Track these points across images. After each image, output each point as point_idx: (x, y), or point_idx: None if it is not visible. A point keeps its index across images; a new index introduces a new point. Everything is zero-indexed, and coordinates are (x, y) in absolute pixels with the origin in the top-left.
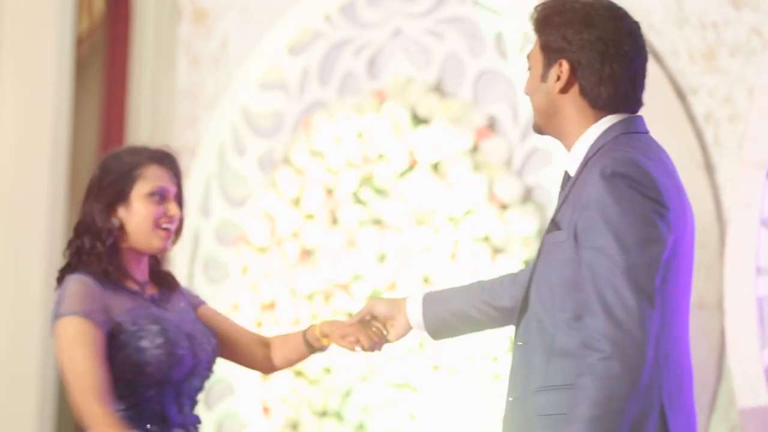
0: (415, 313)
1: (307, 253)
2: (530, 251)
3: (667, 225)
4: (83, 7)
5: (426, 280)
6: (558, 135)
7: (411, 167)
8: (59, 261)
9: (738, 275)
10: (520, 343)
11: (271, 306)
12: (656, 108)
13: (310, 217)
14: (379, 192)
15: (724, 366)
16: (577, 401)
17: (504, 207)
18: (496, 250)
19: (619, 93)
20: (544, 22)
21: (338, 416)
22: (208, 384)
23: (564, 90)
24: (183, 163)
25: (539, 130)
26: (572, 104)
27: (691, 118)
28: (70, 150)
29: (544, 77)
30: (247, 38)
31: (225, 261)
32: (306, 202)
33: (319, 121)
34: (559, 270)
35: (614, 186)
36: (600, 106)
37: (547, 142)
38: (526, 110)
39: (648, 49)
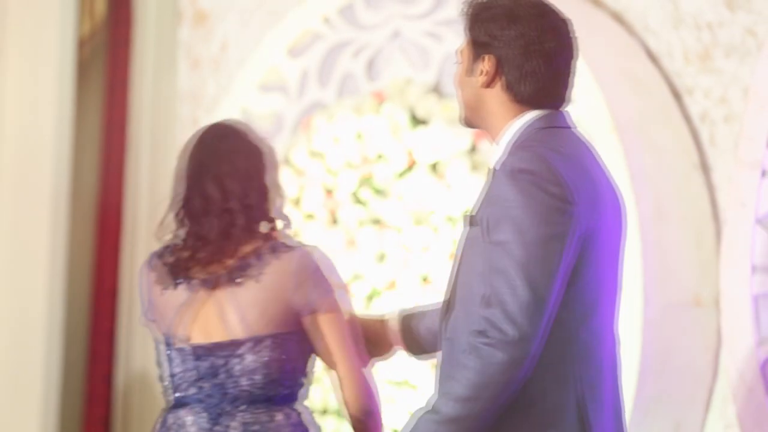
0: (393, 331)
1: None
2: None
3: (570, 220)
4: (84, 10)
5: (425, 280)
6: (484, 128)
7: (410, 167)
8: (62, 262)
9: (734, 274)
10: (447, 338)
11: None
12: (652, 108)
13: (310, 217)
14: (379, 192)
15: (720, 364)
16: (455, 377)
17: None
18: None
19: (540, 89)
20: (472, 18)
21: (338, 414)
22: None
23: (489, 84)
24: None
25: (467, 123)
26: (496, 98)
27: (687, 118)
28: (73, 152)
29: (470, 71)
30: (247, 41)
31: None
32: (306, 203)
33: (319, 122)
34: (475, 265)
35: (517, 182)
36: (522, 101)
37: None
38: None
39: (644, 49)
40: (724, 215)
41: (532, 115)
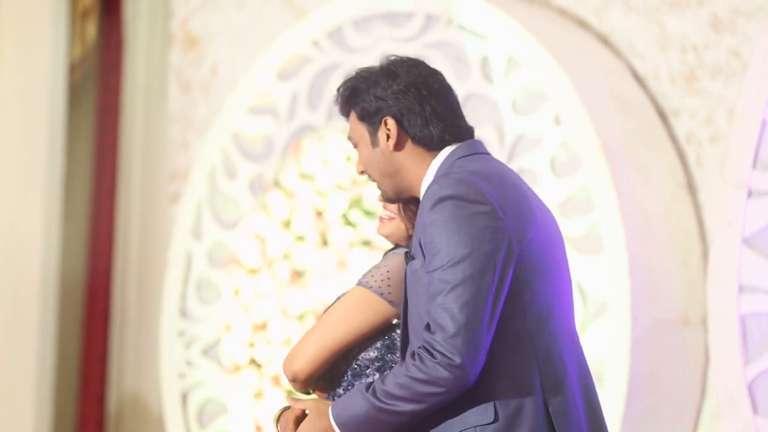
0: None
1: (297, 275)
2: None
3: (501, 235)
4: (76, 35)
5: None
6: (407, 189)
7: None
8: (54, 283)
9: (721, 293)
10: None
11: (263, 326)
12: (638, 129)
13: (300, 238)
14: (368, 214)
15: (708, 382)
16: (394, 371)
17: None
18: None
19: (447, 127)
20: (351, 94)
21: None
22: (201, 403)
23: (397, 146)
24: (174, 187)
25: (391, 197)
26: (409, 155)
27: (673, 139)
28: (64, 175)
29: (374, 142)
30: (237, 64)
31: (217, 282)
32: (296, 224)
33: (309, 144)
34: (421, 296)
35: (444, 208)
36: (434, 146)
37: (533, 164)
38: (511, 133)
39: (630, 71)
40: (710, 235)
41: (447, 150)
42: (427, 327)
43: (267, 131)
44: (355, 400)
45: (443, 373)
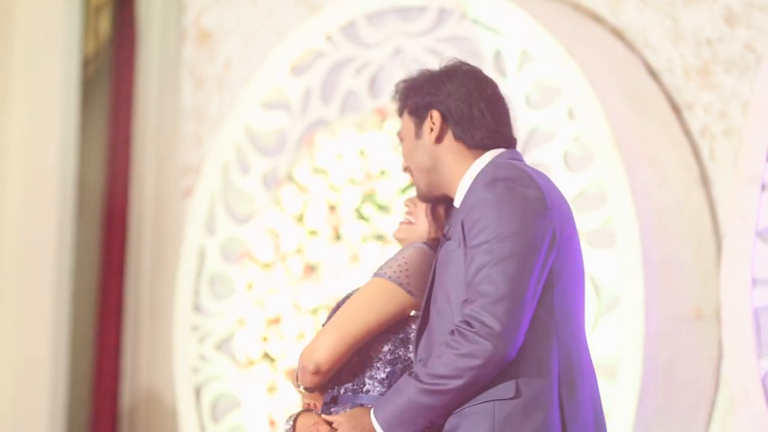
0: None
1: (310, 269)
2: None
3: (547, 224)
4: (89, 30)
5: None
6: (444, 188)
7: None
8: (68, 280)
9: (734, 287)
10: (419, 360)
11: (276, 321)
12: (652, 123)
13: (313, 233)
14: (381, 208)
15: (722, 376)
16: (440, 356)
17: None
18: None
19: (491, 131)
20: (407, 90)
21: None
22: (214, 397)
23: (439, 139)
24: (187, 182)
25: (426, 194)
26: (449, 150)
27: (687, 133)
28: (78, 170)
29: (418, 134)
30: (250, 59)
31: (230, 277)
32: (309, 219)
33: (322, 139)
34: (454, 275)
35: (496, 188)
36: (476, 146)
37: (547, 158)
38: (525, 127)
39: (644, 65)
40: (724, 229)
41: (492, 153)
42: (466, 300)
43: (280, 126)
44: (397, 390)
45: (483, 343)
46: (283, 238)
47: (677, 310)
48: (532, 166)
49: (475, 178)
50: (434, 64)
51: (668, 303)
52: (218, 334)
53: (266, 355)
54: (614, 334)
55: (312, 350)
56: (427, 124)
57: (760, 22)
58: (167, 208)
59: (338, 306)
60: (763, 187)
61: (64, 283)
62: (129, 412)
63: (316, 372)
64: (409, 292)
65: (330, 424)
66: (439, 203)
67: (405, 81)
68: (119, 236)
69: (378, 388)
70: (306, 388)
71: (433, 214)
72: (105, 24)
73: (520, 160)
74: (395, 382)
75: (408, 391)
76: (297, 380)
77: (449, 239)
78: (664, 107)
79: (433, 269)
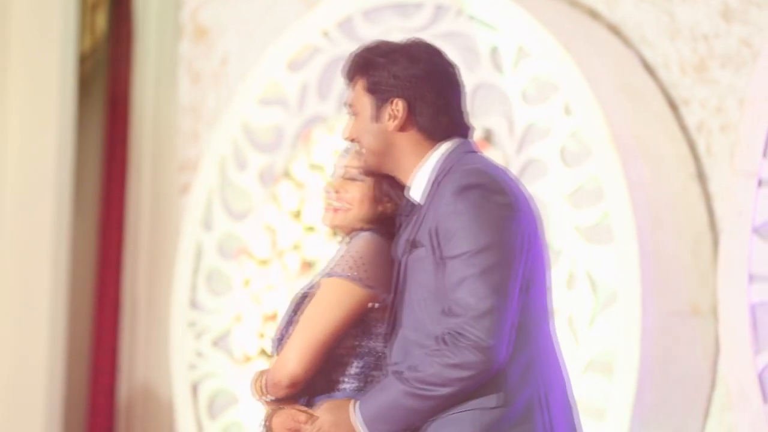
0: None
1: (308, 265)
2: None
3: (519, 228)
4: (86, 26)
5: None
6: (392, 170)
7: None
8: (64, 274)
9: (731, 283)
10: (393, 362)
11: (273, 317)
12: (649, 119)
13: (310, 229)
14: None
15: (718, 372)
16: (425, 357)
17: None
18: None
19: (453, 122)
20: (367, 65)
21: None
22: (211, 394)
23: (402, 128)
24: (185, 178)
25: (372, 170)
26: (409, 139)
27: (684, 128)
28: (75, 165)
29: (375, 117)
30: (247, 55)
31: (227, 274)
32: (306, 215)
33: (319, 135)
34: (426, 284)
35: (466, 197)
36: (437, 136)
37: (543, 154)
38: (521, 123)
39: (641, 61)
40: (721, 224)
41: (448, 144)
42: (449, 312)
43: (277, 122)
44: (381, 388)
45: (474, 356)
46: (280, 234)
47: (674, 305)
48: (487, 157)
49: (438, 177)
50: None
51: (665, 299)
52: (215, 330)
53: (263, 352)
54: (611, 330)
55: (283, 365)
56: (388, 110)
57: (756, 17)
58: (164, 204)
59: (296, 306)
60: (759, 183)
61: (60, 279)
62: (126, 408)
63: (292, 385)
64: (367, 286)
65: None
66: (382, 180)
67: (363, 51)
68: (116, 232)
69: (353, 384)
70: (277, 399)
71: (378, 192)
72: (101, 20)
73: (475, 151)
74: (369, 373)
75: (393, 390)
76: (263, 393)
77: (417, 246)
78: (661, 103)
79: (398, 271)
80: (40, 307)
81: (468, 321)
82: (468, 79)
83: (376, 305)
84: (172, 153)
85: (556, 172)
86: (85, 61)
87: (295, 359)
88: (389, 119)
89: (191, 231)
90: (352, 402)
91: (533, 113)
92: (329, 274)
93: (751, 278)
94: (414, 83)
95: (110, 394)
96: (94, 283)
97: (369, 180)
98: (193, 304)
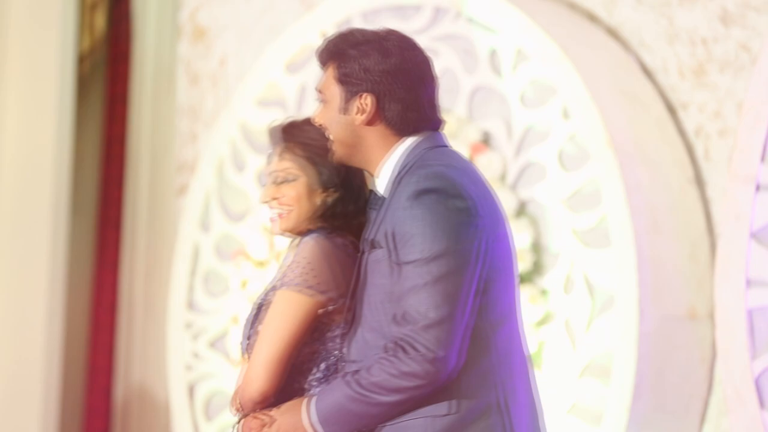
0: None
1: None
2: (524, 264)
3: (477, 233)
4: (85, 26)
5: None
6: (360, 163)
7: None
8: (61, 277)
9: (729, 287)
10: (351, 360)
11: None
12: (647, 123)
13: None
14: None
15: (715, 377)
16: (375, 363)
17: None
18: None
19: (422, 117)
20: (338, 55)
21: None
22: (208, 395)
23: (369, 122)
24: (182, 179)
25: (341, 161)
26: (377, 133)
27: (682, 132)
28: (73, 166)
29: (344, 109)
30: (246, 56)
31: (225, 275)
32: None
33: None
34: (382, 286)
35: (422, 202)
36: (405, 131)
37: (541, 157)
38: (520, 126)
39: (639, 65)
40: (718, 229)
41: (412, 139)
42: (401, 319)
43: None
44: (332, 390)
45: (423, 367)
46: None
47: (671, 310)
48: (452, 152)
49: (400, 173)
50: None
51: (662, 303)
52: (212, 331)
53: None
54: (608, 334)
55: (251, 383)
56: (357, 104)
57: (755, 22)
58: (162, 205)
59: (255, 316)
60: (757, 188)
61: (58, 280)
62: (122, 409)
63: (263, 400)
64: (319, 292)
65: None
66: (321, 170)
67: (337, 39)
68: (113, 233)
69: (321, 387)
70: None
71: (316, 183)
72: (100, 20)
73: (441, 145)
74: (333, 375)
75: (339, 394)
76: (241, 410)
77: (375, 247)
78: (659, 107)
79: (359, 268)
80: (37, 307)
81: (417, 331)
82: (466, 81)
83: (330, 308)
84: (170, 154)
85: (554, 176)
86: (83, 61)
87: (260, 377)
88: (357, 113)
89: (189, 232)
90: (305, 402)
91: (532, 116)
92: (282, 285)
93: (749, 283)
94: (384, 78)
95: (106, 394)
96: (91, 284)
97: (301, 176)
98: (190, 305)
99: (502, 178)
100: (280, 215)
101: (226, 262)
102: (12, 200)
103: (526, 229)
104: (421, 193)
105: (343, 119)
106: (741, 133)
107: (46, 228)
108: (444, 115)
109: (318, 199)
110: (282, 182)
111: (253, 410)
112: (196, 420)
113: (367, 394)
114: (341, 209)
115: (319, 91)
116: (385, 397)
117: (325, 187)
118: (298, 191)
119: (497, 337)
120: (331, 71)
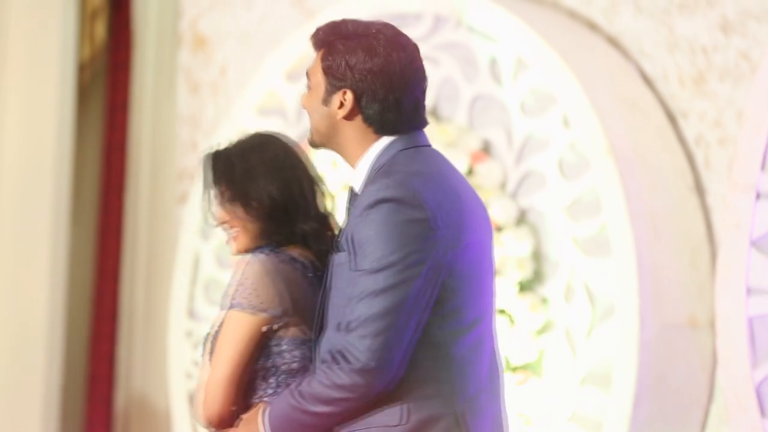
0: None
1: None
2: (524, 273)
3: (434, 244)
4: (85, 35)
5: None
6: (338, 152)
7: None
8: (62, 285)
9: (729, 295)
10: (321, 360)
11: None
12: (647, 131)
13: None
14: None
15: (716, 385)
16: (314, 376)
17: (498, 229)
18: None
19: (402, 119)
20: (327, 46)
21: None
22: None
23: (348, 117)
24: (183, 187)
25: (316, 146)
26: (354, 129)
27: (682, 141)
28: (73, 174)
29: (325, 101)
30: (246, 65)
31: (225, 283)
32: None
33: None
34: (342, 290)
35: (379, 211)
36: (383, 131)
37: (541, 165)
38: (520, 134)
39: (639, 73)
40: (719, 237)
41: (389, 140)
42: (343, 328)
43: (275, 132)
44: (281, 400)
45: (351, 378)
46: None
47: (672, 318)
48: (428, 154)
49: (371, 174)
50: (430, 71)
51: (663, 311)
52: None
53: None
54: (608, 342)
55: (210, 407)
56: (338, 97)
57: (755, 30)
58: (162, 214)
59: (216, 332)
60: (757, 196)
61: (58, 288)
62: (123, 418)
63: (221, 422)
64: (261, 311)
65: None
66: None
67: (328, 28)
68: (114, 241)
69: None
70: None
71: (237, 198)
72: (101, 29)
73: (417, 145)
74: (286, 388)
75: (285, 403)
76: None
77: (339, 250)
78: (659, 115)
79: (329, 269)
80: (38, 315)
81: (353, 341)
82: (466, 90)
83: (275, 327)
84: (170, 162)
85: (555, 184)
86: (84, 69)
87: (216, 400)
88: (338, 107)
89: (189, 240)
90: (260, 411)
91: (532, 125)
92: (230, 306)
93: (749, 291)
94: (366, 78)
95: (107, 403)
96: (92, 292)
97: (228, 200)
98: (191, 313)
99: (503, 186)
100: (234, 237)
101: (227, 271)
102: (12, 209)
103: (527, 238)
104: (378, 202)
105: (324, 111)
106: (741, 142)
107: (47, 236)
108: (444, 124)
109: (251, 211)
110: (222, 204)
111: (218, 428)
112: (197, 429)
113: (304, 404)
114: (280, 226)
115: (307, 75)
116: (318, 408)
117: (255, 199)
118: (231, 212)
119: (458, 348)
120: (320, 57)
